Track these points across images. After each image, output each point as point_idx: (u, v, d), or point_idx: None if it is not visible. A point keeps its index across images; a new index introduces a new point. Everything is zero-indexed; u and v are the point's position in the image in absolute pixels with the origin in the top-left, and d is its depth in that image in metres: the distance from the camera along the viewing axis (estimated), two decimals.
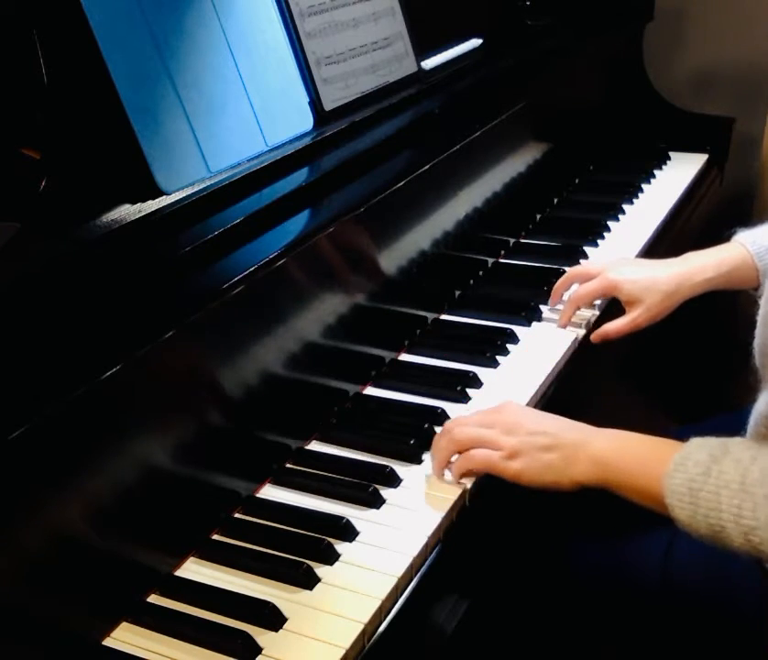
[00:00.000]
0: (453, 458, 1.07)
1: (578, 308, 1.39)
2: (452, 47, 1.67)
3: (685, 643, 1.15)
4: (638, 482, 0.99)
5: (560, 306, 1.41)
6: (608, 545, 1.22)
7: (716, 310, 1.33)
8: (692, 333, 2.08)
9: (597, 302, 1.41)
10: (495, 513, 1.10)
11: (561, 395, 1.26)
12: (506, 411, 1.09)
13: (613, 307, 1.41)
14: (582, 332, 1.36)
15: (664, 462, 0.96)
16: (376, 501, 1.02)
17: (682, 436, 1.35)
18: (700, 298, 1.38)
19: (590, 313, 1.39)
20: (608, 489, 1.01)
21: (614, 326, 1.36)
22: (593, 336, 1.37)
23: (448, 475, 1.06)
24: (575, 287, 1.41)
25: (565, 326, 1.38)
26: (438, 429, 1.14)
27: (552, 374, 1.27)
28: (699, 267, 1.36)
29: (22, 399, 0.79)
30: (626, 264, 1.42)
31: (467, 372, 1.25)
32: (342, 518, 0.99)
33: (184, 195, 1.05)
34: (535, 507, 1.23)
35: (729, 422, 1.11)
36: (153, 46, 1.06)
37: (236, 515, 1.02)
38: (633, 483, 0.99)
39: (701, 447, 0.96)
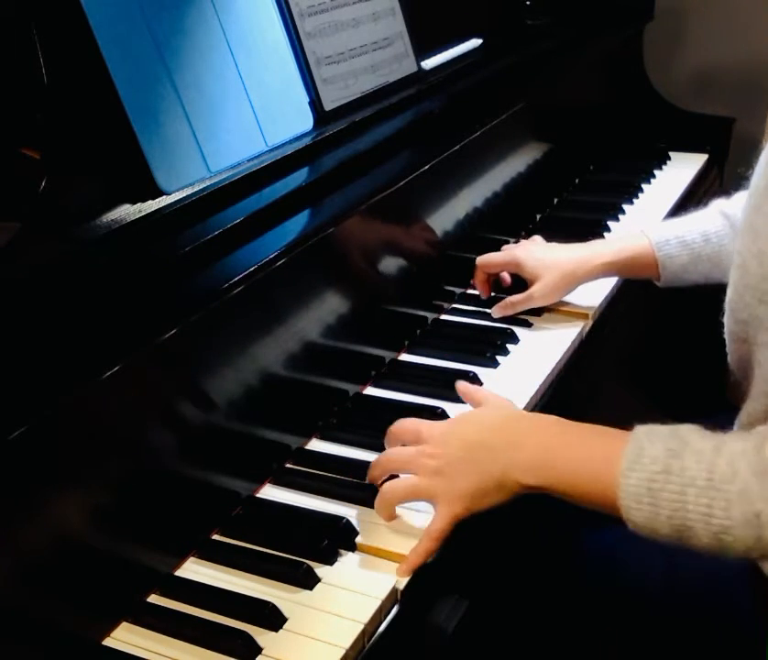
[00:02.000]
0: None
1: (485, 274, 1.43)
2: (452, 47, 1.67)
3: (687, 642, 1.15)
4: (584, 485, 0.91)
5: (560, 305, 1.41)
6: (610, 544, 1.22)
7: (715, 310, 1.32)
8: (692, 333, 2.08)
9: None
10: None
11: (561, 395, 1.26)
12: (427, 432, 1.00)
13: (619, 304, 1.43)
14: (583, 330, 1.36)
15: (612, 459, 0.88)
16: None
17: None
18: (700, 298, 1.39)
19: (591, 306, 1.40)
20: (550, 494, 0.93)
21: (512, 299, 1.40)
22: (494, 310, 1.40)
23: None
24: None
25: (481, 294, 1.44)
26: None
27: (552, 374, 1.27)
28: (599, 252, 1.41)
29: (22, 399, 0.79)
30: (535, 245, 1.47)
31: (467, 372, 1.25)
32: (342, 518, 0.99)
33: (184, 195, 1.05)
34: (536, 506, 1.23)
35: (728, 420, 1.11)
36: (153, 46, 1.06)
37: (236, 515, 1.02)
38: (578, 485, 0.92)
39: (653, 440, 0.88)
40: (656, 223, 1.42)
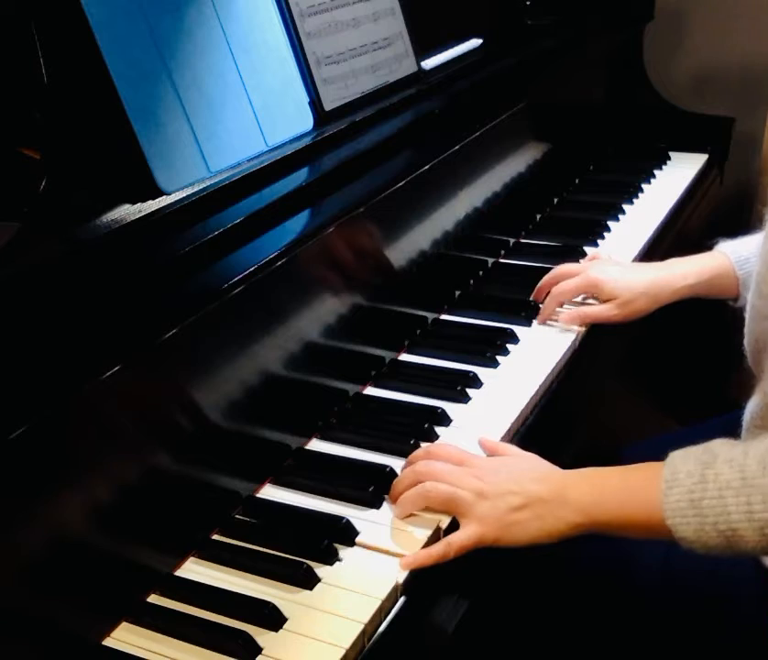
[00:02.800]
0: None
1: (560, 304, 1.39)
2: (452, 47, 1.67)
3: (685, 640, 1.15)
4: (631, 516, 0.94)
5: (561, 310, 1.41)
6: (610, 543, 1.22)
7: (715, 310, 1.33)
8: (692, 333, 2.08)
9: (579, 298, 1.41)
10: None
11: (561, 395, 1.26)
12: (477, 464, 1.01)
13: None
14: (583, 331, 1.36)
15: (652, 485, 0.92)
16: (376, 501, 1.02)
17: (683, 436, 1.35)
18: (701, 299, 1.39)
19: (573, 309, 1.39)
20: (598, 532, 0.96)
21: (586, 311, 1.37)
22: (563, 316, 1.38)
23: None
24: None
25: (543, 322, 1.38)
26: (438, 429, 1.14)
27: (552, 374, 1.27)
28: (681, 273, 1.37)
29: (22, 399, 0.79)
30: (609, 264, 1.44)
31: (467, 372, 1.25)
32: (342, 518, 0.99)
33: (184, 195, 1.05)
34: None
35: (729, 421, 1.11)
36: (153, 46, 1.06)
37: (236, 515, 1.02)
38: (625, 519, 0.94)
39: (685, 459, 0.92)
40: (727, 242, 1.38)
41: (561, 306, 1.39)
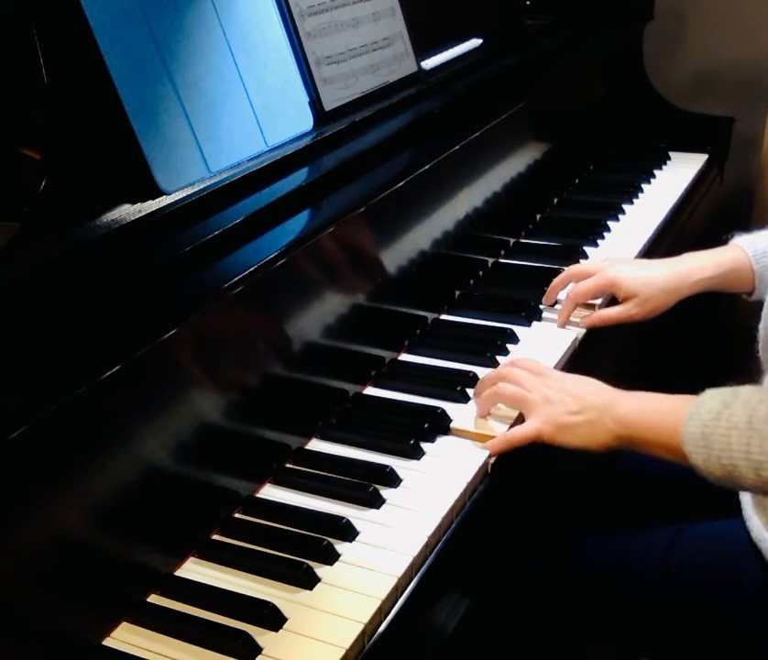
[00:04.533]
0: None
1: (577, 305, 1.38)
2: (452, 47, 1.67)
3: (685, 638, 1.15)
4: (659, 437, 1.04)
5: (559, 306, 1.41)
6: (610, 542, 1.22)
7: (717, 309, 1.33)
8: (692, 332, 2.08)
9: (598, 300, 1.41)
10: (497, 510, 1.10)
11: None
12: (551, 376, 1.16)
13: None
14: (582, 331, 1.36)
15: (681, 414, 1.02)
16: (376, 501, 1.02)
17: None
18: (701, 296, 1.39)
19: (590, 312, 1.39)
20: (633, 449, 1.07)
21: (607, 313, 1.36)
22: (584, 321, 1.37)
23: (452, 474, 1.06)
24: (571, 286, 1.41)
25: (563, 325, 1.38)
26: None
27: None
28: (698, 266, 1.36)
29: (22, 399, 0.79)
30: (624, 262, 1.43)
31: (467, 372, 1.25)
32: (342, 518, 0.99)
33: (184, 195, 1.05)
34: (536, 504, 1.23)
35: None
36: (153, 46, 1.06)
37: (236, 515, 1.02)
38: (655, 438, 1.05)
39: (713, 396, 1.02)
40: (743, 236, 1.38)
41: (577, 307, 1.39)
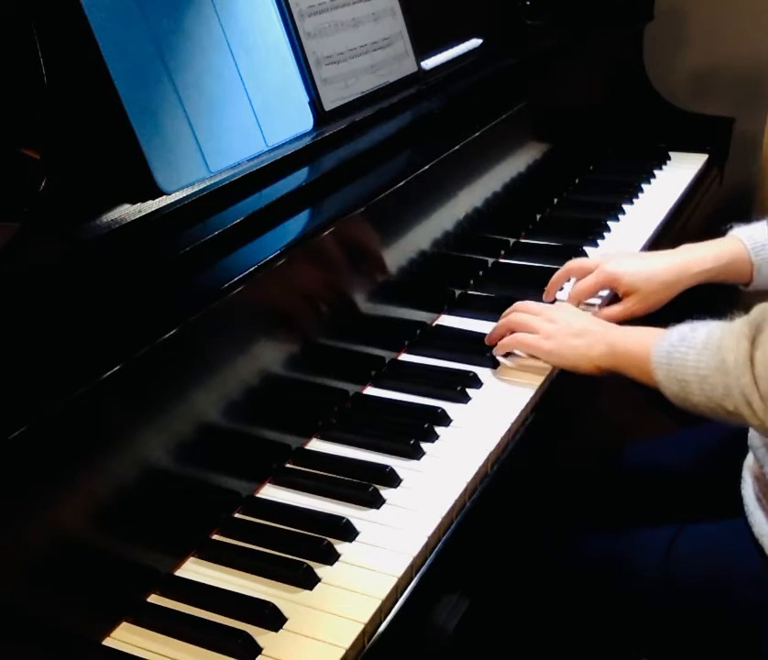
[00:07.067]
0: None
1: (578, 304, 1.38)
2: (452, 47, 1.67)
3: (684, 638, 1.15)
4: (635, 358, 1.13)
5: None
6: (610, 541, 1.22)
7: (716, 309, 1.33)
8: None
9: (598, 300, 1.41)
10: (497, 510, 1.10)
11: (564, 388, 1.25)
12: (558, 305, 1.33)
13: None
14: None
15: (656, 338, 1.10)
16: (376, 501, 1.02)
17: (682, 437, 1.36)
18: (701, 297, 1.39)
19: (591, 310, 1.39)
20: (618, 373, 1.16)
21: (609, 312, 1.36)
22: None
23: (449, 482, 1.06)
24: (571, 282, 1.41)
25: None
26: (438, 429, 1.14)
27: (552, 374, 1.26)
28: (698, 258, 1.37)
29: (22, 399, 0.79)
30: (624, 257, 1.43)
31: (467, 372, 1.25)
32: (342, 518, 0.99)
33: (184, 195, 1.05)
34: (536, 504, 1.23)
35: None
36: (153, 46, 1.06)
37: (236, 515, 1.02)
38: (632, 360, 1.13)
39: (688, 324, 1.09)
40: (742, 227, 1.38)
41: (579, 306, 1.39)
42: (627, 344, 1.15)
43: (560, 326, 1.23)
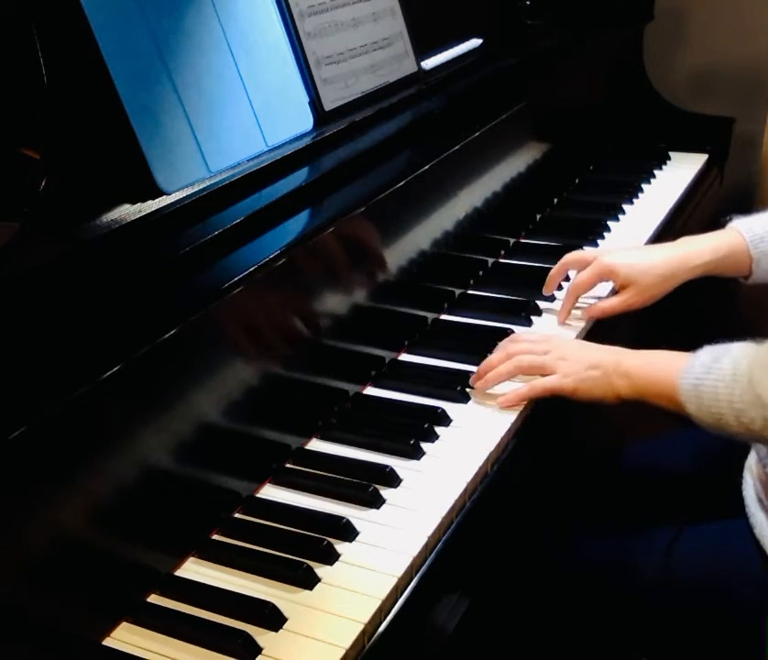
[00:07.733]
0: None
1: (577, 298, 1.38)
2: (452, 47, 1.67)
3: (684, 639, 1.15)
4: (661, 389, 1.11)
5: (558, 302, 1.41)
6: (611, 542, 1.22)
7: (716, 309, 1.33)
8: (692, 332, 2.08)
9: (594, 301, 1.41)
10: (497, 510, 1.10)
11: (561, 394, 1.25)
12: (556, 341, 1.24)
13: None
14: (582, 324, 1.36)
15: (679, 368, 1.09)
16: (376, 501, 1.02)
17: (682, 437, 1.35)
18: (700, 297, 1.38)
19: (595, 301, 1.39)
20: (644, 401, 1.13)
21: (607, 304, 1.36)
22: (583, 314, 1.37)
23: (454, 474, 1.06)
24: (571, 275, 1.41)
25: (564, 321, 1.38)
26: (438, 429, 1.14)
27: None
28: (696, 251, 1.37)
29: (22, 399, 0.79)
30: (621, 249, 1.43)
31: (467, 372, 1.25)
32: (342, 518, 0.99)
33: (184, 195, 1.05)
34: (536, 504, 1.23)
35: None
36: (153, 46, 1.06)
37: (236, 515, 1.02)
38: (658, 391, 1.11)
39: (707, 351, 1.08)
40: (741, 219, 1.38)
41: (578, 299, 1.39)
42: (647, 373, 1.12)
43: (572, 361, 1.18)
